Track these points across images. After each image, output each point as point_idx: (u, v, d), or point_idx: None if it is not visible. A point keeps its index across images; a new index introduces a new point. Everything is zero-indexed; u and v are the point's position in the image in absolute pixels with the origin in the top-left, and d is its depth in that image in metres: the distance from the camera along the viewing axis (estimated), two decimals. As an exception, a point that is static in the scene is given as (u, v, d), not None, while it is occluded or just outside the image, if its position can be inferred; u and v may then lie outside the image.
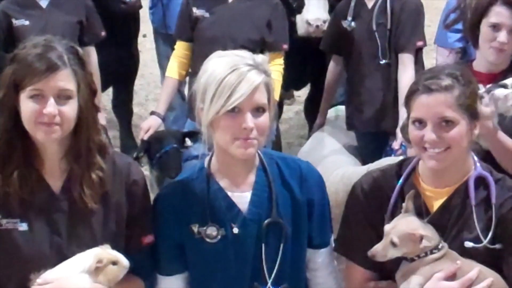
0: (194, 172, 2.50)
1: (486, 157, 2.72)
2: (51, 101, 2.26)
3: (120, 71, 5.14)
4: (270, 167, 2.48)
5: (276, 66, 3.97)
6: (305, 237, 2.51)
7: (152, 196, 3.71)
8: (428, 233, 2.36)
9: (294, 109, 6.36)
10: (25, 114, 2.28)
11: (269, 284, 2.45)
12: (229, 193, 2.46)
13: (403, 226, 2.37)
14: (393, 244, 2.35)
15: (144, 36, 6.41)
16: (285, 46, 4.06)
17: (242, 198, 2.46)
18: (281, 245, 2.45)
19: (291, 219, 2.48)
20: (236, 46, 3.76)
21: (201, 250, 2.46)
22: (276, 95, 3.62)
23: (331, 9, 4.34)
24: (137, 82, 5.94)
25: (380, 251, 2.37)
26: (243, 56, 2.38)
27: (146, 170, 4.09)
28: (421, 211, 2.43)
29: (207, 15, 3.99)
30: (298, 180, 2.49)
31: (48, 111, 2.25)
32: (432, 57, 4.68)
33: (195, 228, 2.45)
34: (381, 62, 3.99)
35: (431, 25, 4.68)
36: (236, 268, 2.46)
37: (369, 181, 2.53)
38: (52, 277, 2.29)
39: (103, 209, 2.39)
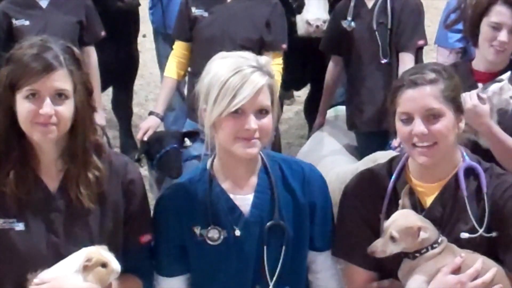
0: (197, 173, 2.50)
1: (482, 158, 2.71)
2: (47, 101, 2.26)
3: (120, 71, 5.14)
4: (272, 170, 2.48)
5: (275, 66, 3.96)
6: (306, 240, 2.51)
7: (151, 197, 3.73)
8: (425, 225, 2.37)
9: (294, 109, 6.36)
10: (21, 114, 2.28)
11: (270, 286, 2.45)
12: (231, 195, 2.46)
13: (401, 220, 2.38)
14: (393, 239, 2.36)
15: (144, 36, 6.41)
16: (284, 46, 4.06)
17: (244, 200, 2.46)
18: (283, 248, 2.45)
19: (293, 221, 2.47)
20: (234, 46, 3.77)
21: (203, 252, 2.46)
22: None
23: (331, 9, 4.34)
24: (137, 82, 5.93)
25: (380, 247, 2.37)
26: (246, 57, 2.37)
27: (146, 170, 4.09)
28: (416, 207, 2.44)
29: (206, 15, 3.99)
30: (301, 182, 2.49)
31: (44, 111, 2.25)
32: (432, 57, 4.67)
33: (197, 230, 2.45)
34: (382, 62, 3.99)
35: (431, 25, 4.68)
36: (237, 270, 2.46)
37: (360, 182, 2.55)
38: (49, 277, 2.29)
39: (100, 209, 2.39)
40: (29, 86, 2.25)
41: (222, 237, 2.44)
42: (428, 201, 2.46)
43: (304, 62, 4.73)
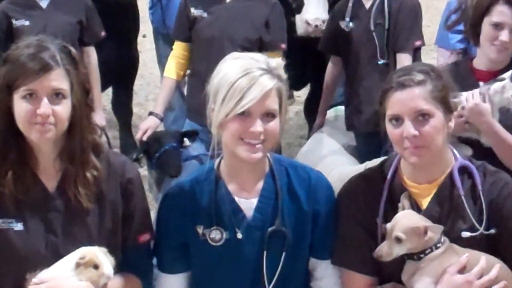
0: (203, 173, 2.50)
1: (483, 157, 2.71)
2: (45, 101, 2.26)
3: (120, 71, 5.14)
4: (279, 175, 2.48)
5: (275, 66, 3.97)
6: (307, 247, 2.51)
7: (150, 197, 3.73)
8: (430, 225, 2.37)
9: (294, 109, 6.36)
10: (19, 115, 2.29)
11: None
12: (236, 198, 2.47)
13: (405, 221, 2.37)
14: (398, 240, 2.35)
15: (144, 36, 6.41)
16: (283, 46, 4.05)
17: (248, 203, 2.47)
18: (283, 254, 2.45)
19: (295, 228, 2.47)
20: (234, 46, 3.78)
21: (204, 252, 2.47)
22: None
23: (331, 9, 4.34)
24: (137, 82, 5.93)
25: (386, 250, 2.36)
26: (257, 59, 2.37)
27: (145, 170, 4.10)
28: (413, 209, 2.44)
29: (205, 15, 3.99)
30: (306, 190, 2.49)
31: (41, 111, 2.25)
32: (432, 57, 4.68)
33: (200, 230, 2.46)
34: (379, 62, 3.99)
35: (431, 25, 4.69)
36: (236, 272, 2.47)
37: (354, 187, 2.55)
38: (48, 277, 2.29)
39: (99, 208, 2.40)
40: (26, 86, 2.26)
41: (224, 238, 2.45)
42: (424, 202, 2.46)
43: (304, 62, 4.72)
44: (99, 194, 2.39)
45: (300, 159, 3.90)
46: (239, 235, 2.45)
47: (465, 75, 3.16)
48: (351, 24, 4.04)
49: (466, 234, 2.40)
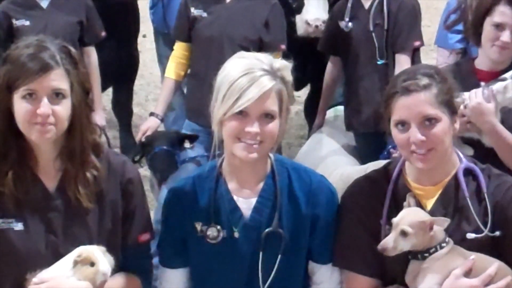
0: (206, 170, 2.51)
1: (485, 157, 2.71)
2: (45, 101, 2.26)
3: (120, 71, 5.14)
4: (280, 176, 2.47)
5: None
6: (304, 251, 2.51)
7: (151, 197, 3.73)
8: (437, 218, 2.36)
9: (294, 109, 6.35)
10: (19, 115, 2.29)
11: None
12: (235, 197, 2.47)
13: (412, 215, 2.36)
14: (404, 234, 2.33)
15: (144, 36, 6.41)
16: (283, 46, 4.05)
17: (247, 203, 2.47)
18: (279, 256, 2.44)
19: (292, 231, 2.47)
20: (233, 46, 3.79)
21: (201, 248, 2.47)
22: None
23: (331, 9, 4.34)
24: (137, 82, 5.93)
25: (391, 243, 2.33)
26: (261, 60, 2.37)
27: (146, 170, 4.10)
28: None
29: (205, 15, 3.99)
30: (306, 193, 2.48)
31: (41, 111, 2.25)
32: (432, 57, 4.68)
33: (199, 226, 2.47)
34: (379, 63, 3.99)
35: (431, 25, 4.70)
36: (232, 270, 2.47)
37: (358, 189, 2.53)
38: (48, 276, 2.30)
39: (99, 208, 2.40)
40: (26, 86, 2.26)
41: (221, 236, 2.45)
42: (428, 203, 2.44)
43: (304, 62, 4.72)
44: (99, 194, 2.39)
45: (300, 159, 3.91)
46: (236, 234, 2.45)
47: (467, 75, 3.16)
48: (350, 24, 4.04)
49: (471, 235, 2.39)
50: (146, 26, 5.67)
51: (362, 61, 4.05)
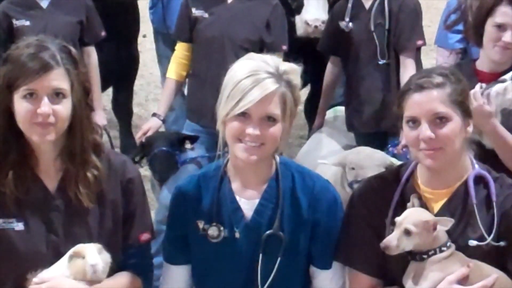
0: (212, 169, 2.51)
1: (488, 160, 2.71)
2: (45, 100, 2.27)
3: (120, 71, 5.14)
4: (284, 179, 2.47)
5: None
6: (304, 255, 2.50)
7: (152, 197, 3.73)
8: (441, 218, 2.35)
9: (294, 110, 6.35)
10: (20, 115, 2.29)
11: None
12: (237, 197, 2.47)
13: (416, 215, 2.36)
14: (408, 233, 2.32)
15: (144, 36, 6.41)
16: (284, 47, 4.05)
17: (249, 204, 2.47)
18: (278, 258, 2.44)
19: (293, 234, 2.46)
20: (234, 47, 3.80)
21: (202, 247, 2.48)
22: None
23: (331, 9, 4.34)
24: (137, 82, 5.93)
25: (394, 241, 2.32)
26: (268, 62, 2.36)
27: (146, 170, 4.10)
28: None
29: (206, 15, 3.99)
30: (309, 198, 2.47)
31: (42, 110, 2.25)
32: (432, 57, 4.68)
33: (201, 224, 2.47)
34: (380, 63, 4.00)
35: (431, 25, 4.69)
36: (232, 270, 2.47)
37: (368, 188, 2.53)
38: (48, 276, 2.30)
39: (99, 208, 2.40)
40: (26, 85, 2.26)
41: (222, 236, 2.46)
42: (436, 207, 2.43)
43: (304, 62, 4.71)
44: (100, 193, 2.40)
45: (300, 159, 3.91)
46: (237, 234, 2.45)
47: (468, 76, 3.12)
48: (350, 24, 4.04)
49: (473, 242, 2.37)
50: (146, 26, 5.67)
51: (363, 61, 4.05)
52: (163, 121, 4.12)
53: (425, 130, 2.34)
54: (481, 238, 2.37)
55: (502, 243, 2.38)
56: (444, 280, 2.32)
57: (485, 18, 3.13)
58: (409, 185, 2.47)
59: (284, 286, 2.48)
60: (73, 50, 2.36)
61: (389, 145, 3.87)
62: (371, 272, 2.49)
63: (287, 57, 4.11)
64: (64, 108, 2.30)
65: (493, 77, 3.11)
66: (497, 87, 2.98)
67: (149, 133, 3.98)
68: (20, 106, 2.28)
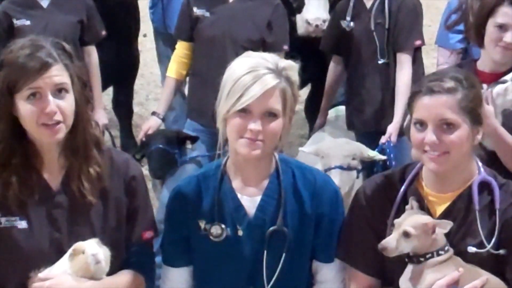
0: (212, 168, 2.51)
1: (489, 162, 2.70)
2: (50, 98, 2.27)
3: (121, 71, 5.15)
4: (284, 175, 2.47)
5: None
6: (308, 250, 2.51)
7: (153, 195, 3.72)
8: (440, 220, 2.34)
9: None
10: (25, 117, 2.29)
11: None
12: (239, 195, 2.47)
13: (416, 217, 2.35)
14: (406, 235, 2.32)
15: (144, 36, 6.41)
16: (286, 47, 4.05)
17: (251, 201, 2.47)
18: (283, 254, 2.44)
19: (297, 230, 2.46)
20: (236, 46, 3.80)
21: (205, 247, 2.48)
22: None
23: (332, 9, 4.34)
24: (137, 82, 5.94)
25: (392, 243, 2.32)
26: (267, 59, 2.38)
27: (147, 169, 4.10)
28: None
29: (207, 14, 3.99)
30: (311, 192, 2.48)
31: (49, 109, 2.25)
32: (433, 57, 4.68)
33: (202, 224, 2.47)
34: (380, 62, 4.00)
35: (432, 25, 4.69)
36: (236, 269, 2.47)
37: (372, 187, 2.52)
38: (52, 274, 2.30)
39: (103, 205, 2.40)
40: (29, 85, 2.26)
41: (224, 234, 2.45)
42: (439, 210, 2.42)
43: (305, 62, 4.71)
44: (103, 191, 2.40)
45: (301, 158, 3.90)
46: (240, 232, 2.45)
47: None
48: (352, 23, 4.05)
49: (472, 249, 2.36)
50: (147, 26, 5.67)
51: (364, 61, 4.05)
52: (163, 119, 4.13)
53: (430, 135, 2.33)
54: (480, 245, 2.36)
55: (501, 252, 2.36)
56: (435, 284, 2.31)
57: (486, 19, 3.13)
58: (413, 187, 2.46)
59: (290, 282, 2.48)
60: (66, 45, 2.37)
61: (381, 144, 3.87)
62: (370, 272, 2.50)
63: (287, 56, 4.13)
64: (68, 103, 2.30)
65: (494, 78, 3.10)
66: (498, 88, 2.97)
67: (150, 132, 3.99)
68: (25, 108, 2.28)
